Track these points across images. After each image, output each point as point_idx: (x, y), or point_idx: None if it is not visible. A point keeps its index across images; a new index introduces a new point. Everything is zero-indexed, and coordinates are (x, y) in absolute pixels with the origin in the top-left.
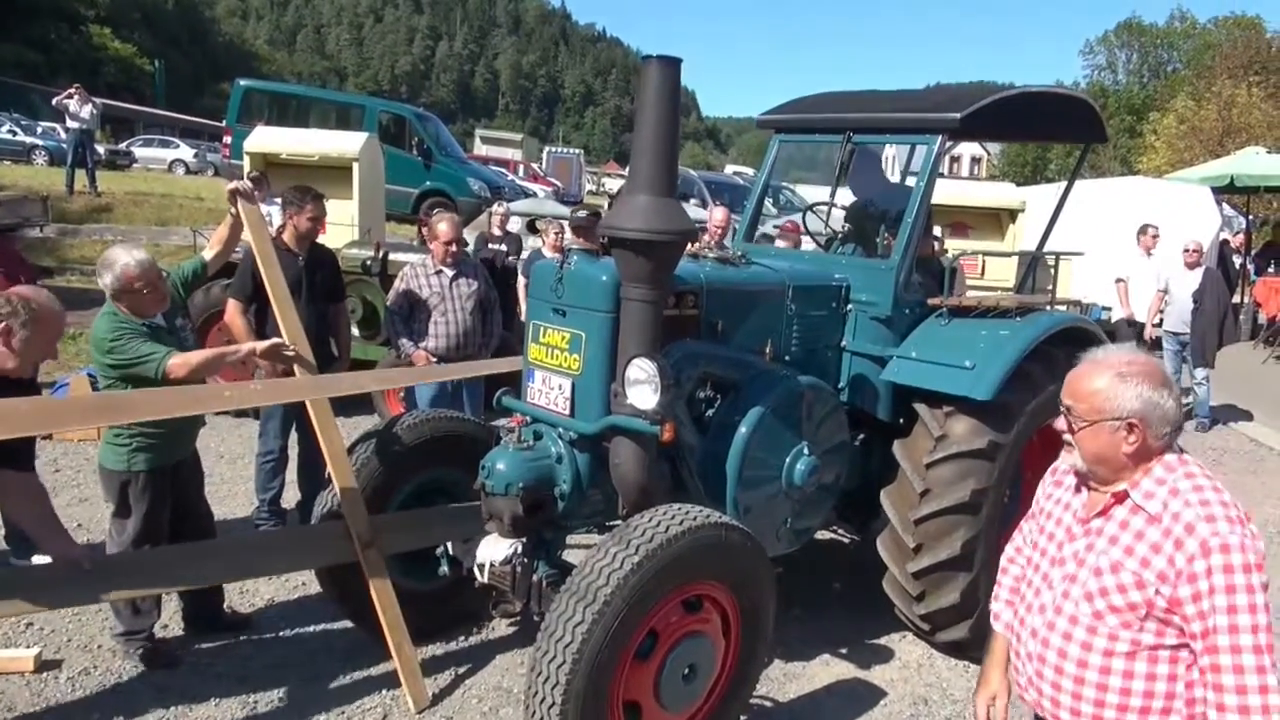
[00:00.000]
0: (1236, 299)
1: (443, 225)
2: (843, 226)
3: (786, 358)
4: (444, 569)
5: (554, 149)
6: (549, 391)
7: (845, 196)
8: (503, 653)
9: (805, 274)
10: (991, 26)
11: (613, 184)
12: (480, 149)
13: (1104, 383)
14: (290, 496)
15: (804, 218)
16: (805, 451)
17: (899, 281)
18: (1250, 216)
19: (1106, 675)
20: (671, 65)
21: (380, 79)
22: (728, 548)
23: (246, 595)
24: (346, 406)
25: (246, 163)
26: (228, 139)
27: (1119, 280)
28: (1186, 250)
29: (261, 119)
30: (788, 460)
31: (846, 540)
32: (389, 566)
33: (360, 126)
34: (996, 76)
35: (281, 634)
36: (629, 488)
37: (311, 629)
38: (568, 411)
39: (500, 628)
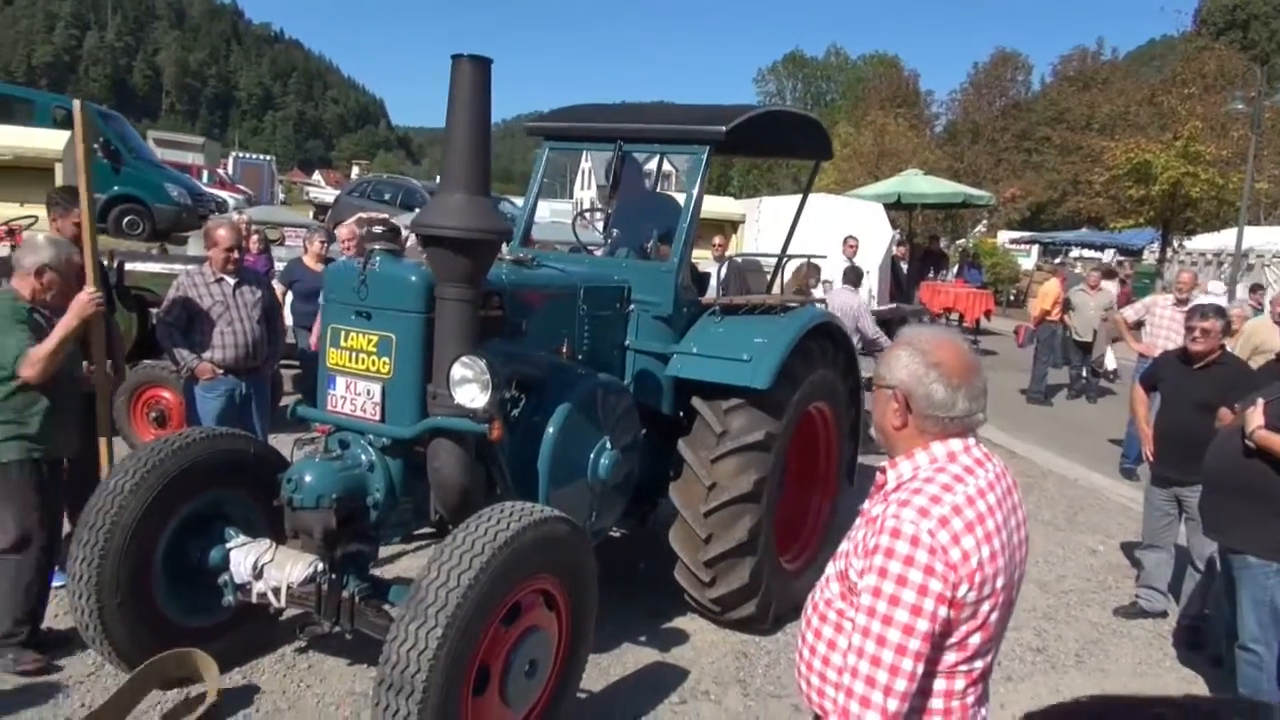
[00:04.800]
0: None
1: (222, 231)
2: (611, 233)
3: (579, 357)
4: (229, 598)
5: (242, 155)
6: (355, 398)
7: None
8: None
9: (593, 276)
10: (673, 49)
11: (320, 194)
12: (155, 152)
13: (894, 352)
14: None
15: (574, 224)
16: (608, 446)
17: (678, 283)
18: (903, 229)
19: (818, 639)
20: (482, 64)
21: (14, 69)
22: (562, 541)
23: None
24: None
25: None
26: None
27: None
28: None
29: None
30: (592, 455)
31: (617, 534)
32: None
33: (27, 122)
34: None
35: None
36: (449, 491)
37: None
38: (378, 417)
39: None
